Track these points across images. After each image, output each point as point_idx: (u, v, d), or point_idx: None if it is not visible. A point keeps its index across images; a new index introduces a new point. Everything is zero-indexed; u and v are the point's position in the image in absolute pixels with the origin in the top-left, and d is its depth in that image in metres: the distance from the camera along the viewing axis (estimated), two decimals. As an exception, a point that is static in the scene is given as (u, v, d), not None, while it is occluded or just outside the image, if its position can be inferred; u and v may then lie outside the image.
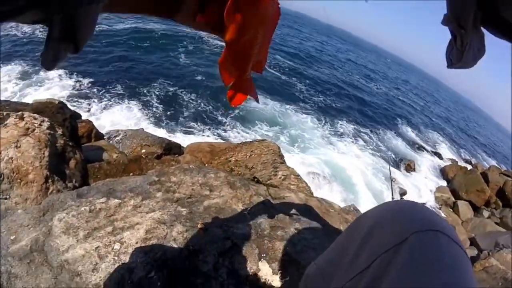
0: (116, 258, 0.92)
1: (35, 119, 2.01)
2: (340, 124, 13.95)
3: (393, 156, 13.00)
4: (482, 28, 0.46)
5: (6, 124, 1.89)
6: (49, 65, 0.33)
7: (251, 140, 9.04)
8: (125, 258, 0.92)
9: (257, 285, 0.94)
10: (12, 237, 1.01)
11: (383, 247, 0.48)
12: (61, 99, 6.94)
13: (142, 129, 6.95)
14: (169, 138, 7.14)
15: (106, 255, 0.92)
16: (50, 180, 1.77)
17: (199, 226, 1.07)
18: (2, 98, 8.24)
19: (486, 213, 9.89)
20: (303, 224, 1.28)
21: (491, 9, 0.41)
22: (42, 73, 10.30)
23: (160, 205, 1.16)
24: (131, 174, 3.39)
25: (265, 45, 0.58)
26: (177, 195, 1.26)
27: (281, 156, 5.22)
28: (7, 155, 1.70)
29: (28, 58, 11.08)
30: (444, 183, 12.02)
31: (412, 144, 15.84)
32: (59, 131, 2.13)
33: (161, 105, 10.00)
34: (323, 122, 13.48)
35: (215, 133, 9.70)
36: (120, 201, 1.15)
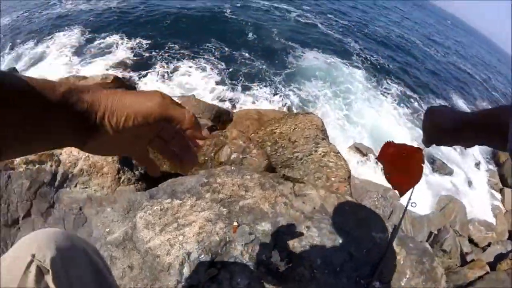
0: (180, 246, 1.47)
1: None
2: (393, 87, 13.70)
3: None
4: None
5: None
6: None
7: (297, 109, 9.40)
8: (186, 246, 1.47)
9: (268, 267, 1.46)
10: (107, 230, 1.61)
11: None
12: (116, 71, 7.71)
13: (194, 95, 7.57)
14: (220, 104, 7.73)
15: (174, 244, 1.48)
16: (121, 171, 2.36)
17: (234, 224, 1.59)
18: (60, 71, 9.27)
19: (534, 204, 9.49)
20: (314, 222, 1.75)
21: None
22: (95, 43, 11.20)
23: (208, 205, 1.70)
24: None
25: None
26: (220, 195, 1.79)
27: (324, 131, 5.58)
28: (84, 154, 2.30)
29: (80, 28, 12.14)
30: (495, 168, 11.61)
31: None
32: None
33: (213, 67, 10.51)
34: (374, 82, 13.32)
35: (266, 95, 10.00)
36: (180, 201, 1.70)
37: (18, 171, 2.08)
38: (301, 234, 1.63)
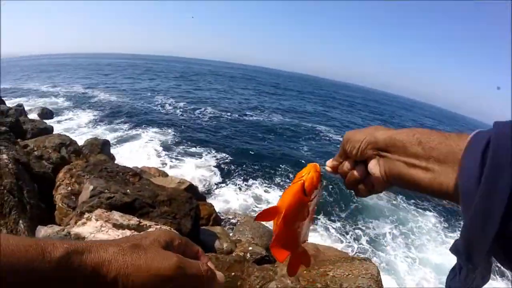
0: None
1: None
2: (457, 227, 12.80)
3: None
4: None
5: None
6: None
7: (358, 251, 9.18)
8: None
9: None
10: None
11: None
12: (193, 179, 8.58)
13: (253, 217, 7.94)
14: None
15: None
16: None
17: None
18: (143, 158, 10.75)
19: None
20: None
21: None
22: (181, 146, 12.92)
23: None
24: (233, 273, 4.20)
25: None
26: None
27: (378, 282, 5.41)
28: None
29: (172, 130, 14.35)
30: None
31: None
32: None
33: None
34: (443, 223, 12.61)
35: (329, 229, 10.01)
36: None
37: None
38: None
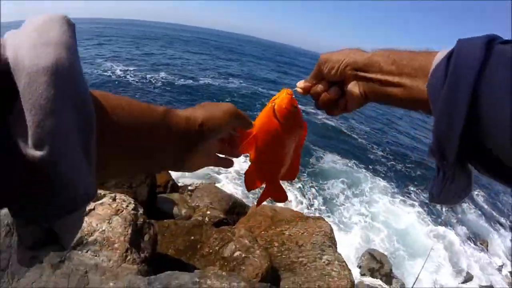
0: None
1: (124, 201, 3.00)
2: (412, 192, 13.81)
3: (466, 231, 12.42)
4: (470, 165, 0.48)
5: (103, 202, 2.88)
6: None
7: (312, 211, 9.62)
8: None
9: None
10: None
11: None
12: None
13: (214, 183, 8.02)
14: (237, 195, 8.11)
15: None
16: (129, 251, 2.69)
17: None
18: None
19: None
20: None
21: (478, 141, 0.43)
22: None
23: (194, 302, 1.97)
24: (192, 238, 4.33)
25: (294, 159, 0.75)
26: (207, 296, 2.06)
27: (331, 238, 5.76)
28: (102, 227, 2.67)
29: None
30: None
31: (486, 216, 14.73)
32: (140, 211, 3.10)
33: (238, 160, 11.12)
34: (394, 187, 13.51)
35: (286, 191, 10.30)
36: (171, 295, 1.99)
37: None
38: None
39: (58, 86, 0.25)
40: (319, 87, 0.74)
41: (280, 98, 0.67)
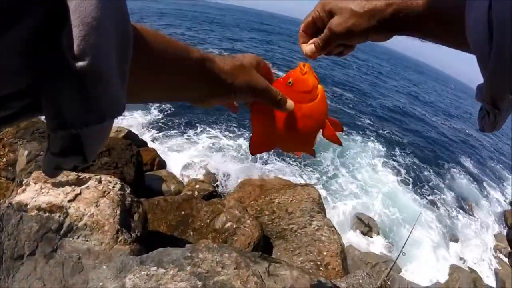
0: (157, 310, 1.81)
1: (110, 182, 3.01)
2: (400, 158, 14.17)
3: (453, 195, 12.89)
4: None
5: (88, 186, 2.88)
6: (52, 173, 0.36)
7: (301, 178, 9.75)
8: (162, 310, 1.81)
9: None
10: (100, 283, 1.96)
11: None
12: (130, 126, 8.38)
13: (201, 157, 8.06)
14: (227, 167, 8.18)
15: (153, 307, 1.81)
16: (119, 232, 2.73)
17: (205, 297, 1.93)
18: None
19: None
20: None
21: None
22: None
23: (187, 277, 2.04)
24: (183, 212, 4.39)
25: (309, 137, 0.75)
26: (199, 269, 2.13)
27: (320, 205, 5.90)
28: (90, 211, 2.69)
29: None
30: (504, 230, 11.60)
31: (474, 181, 15.31)
32: (128, 190, 3.12)
33: (223, 135, 11.00)
34: (382, 154, 13.82)
35: (274, 162, 10.28)
36: (164, 270, 2.06)
37: (29, 215, 2.48)
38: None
39: (105, 7, 0.29)
40: (337, 49, 0.77)
41: (296, 69, 0.69)
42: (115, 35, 0.31)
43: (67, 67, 0.26)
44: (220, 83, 0.57)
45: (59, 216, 2.56)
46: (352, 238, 8.20)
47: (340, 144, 0.78)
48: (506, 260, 10.05)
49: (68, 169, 0.36)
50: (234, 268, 2.20)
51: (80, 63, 0.26)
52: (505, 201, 14.65)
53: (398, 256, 3.77)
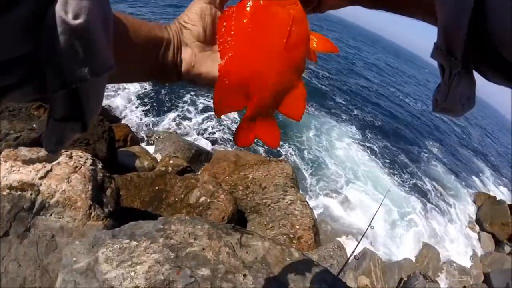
0: (131, 280, 1.89)
1: (81, 157, 3.01)
2: (374, 142, 14.56)
3: (430, 180, 13.43)
4: (475, 72, 0.45)
5: (59, 162, 2.88)
6: (54, 149, 0.38)
7: (274, 155, 9.88)
8: (135, 281, 1.89)
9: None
10: (74, 259, 2.02)
11: None
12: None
13: (176, 132, 8.03)
14: (200, 143, 8.17)
15: (126, 278, 1.89)
16: (92, 207, 2.77)
17: (177, 268, 2.01)
18: None
19: (507, 249, 9.95)
20: (252, 271, 2.18)
21: (489, 45, 0.39)
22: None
23: (160, 248, 2.12)
24: (156, 188, 4.44)
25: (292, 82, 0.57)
26: (172, 241, 2.21)
27: (293, 180, 6.06)
28: (61, 188, 2.71)
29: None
30: (475, 210, 12.36)
31: (449, 167, 16.03)
32: (99, 165, 3.13)
33: (198, 111, 10.89)
34: (358, 137, 14.15)
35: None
36: (137, 243, 2.13)
37: (1, 194, 2.48)
38: (236, 280, 2.06)
39: None
40: None
41: None
42: (100, 8, 0.35)
43: (66, 23, 0.31)
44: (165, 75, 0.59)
45: (31, 194, 2.55)
46: (325, 212, 8.45)
47: (336, 50, 0.60)
48: (475, 236, 10.67)
49: (67, 145, 0.41)
50: (207, 239, 2.29)
51: (76, 21, 0.31)
52: (478, 182, 15.50)
53: (367, 229, 3.94)
